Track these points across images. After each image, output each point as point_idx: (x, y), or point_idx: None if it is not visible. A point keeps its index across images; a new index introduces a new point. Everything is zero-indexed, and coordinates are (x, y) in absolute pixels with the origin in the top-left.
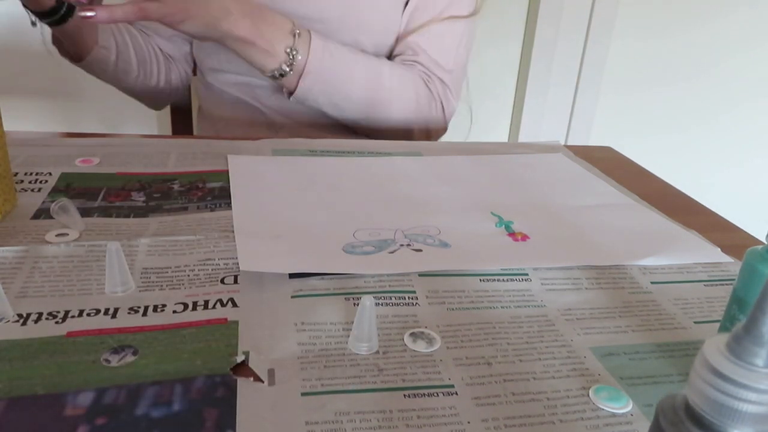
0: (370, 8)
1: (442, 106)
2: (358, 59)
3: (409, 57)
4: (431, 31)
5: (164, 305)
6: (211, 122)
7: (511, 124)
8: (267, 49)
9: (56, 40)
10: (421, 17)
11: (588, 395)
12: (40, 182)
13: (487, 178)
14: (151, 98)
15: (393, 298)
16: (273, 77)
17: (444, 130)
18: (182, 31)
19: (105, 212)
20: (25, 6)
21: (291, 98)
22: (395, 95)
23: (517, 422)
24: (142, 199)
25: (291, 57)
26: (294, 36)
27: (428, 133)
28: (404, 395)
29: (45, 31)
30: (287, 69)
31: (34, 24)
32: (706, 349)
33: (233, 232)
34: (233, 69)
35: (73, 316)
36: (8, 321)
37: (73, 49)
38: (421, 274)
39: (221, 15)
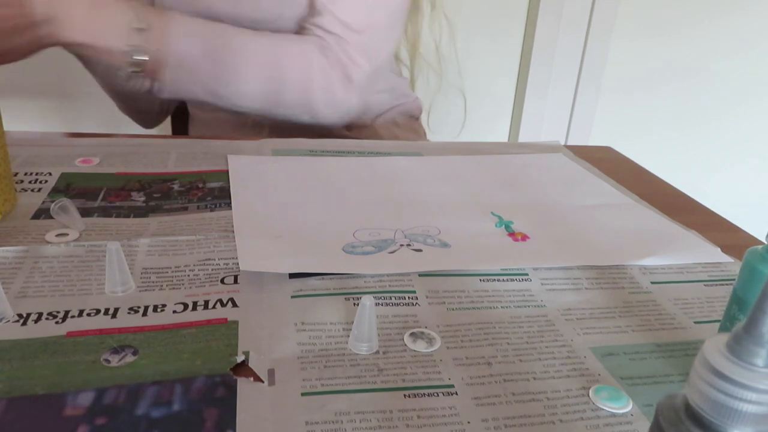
0: None
1: (347, 72)
2: (237, 40)
3: (311, 20)
4: None
5: (164, 305)
6: (198, 125)
7: (511, 124)
8: (107, 51)
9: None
10: None
11: (588, 395)
12: (40, 182)
13: (487, 178)
14: (146, 117)
15: (393, 298)
16: (129, 73)
17: (352, 100)
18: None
19: (105, 212)
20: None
21: (162, 93)
22: (284, 71)
23: (517, 422)
24: (142, 199)
25: (136, 54)
26: (136, 31)
27: (333, 105)
28: (404, 395)
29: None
30: (137, 69)
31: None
32: (706, 349)
33: (233, 232)
34: None
35: (73, 316)
36: (8, 321)
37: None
38: (421, 274)
39: (37, 32)
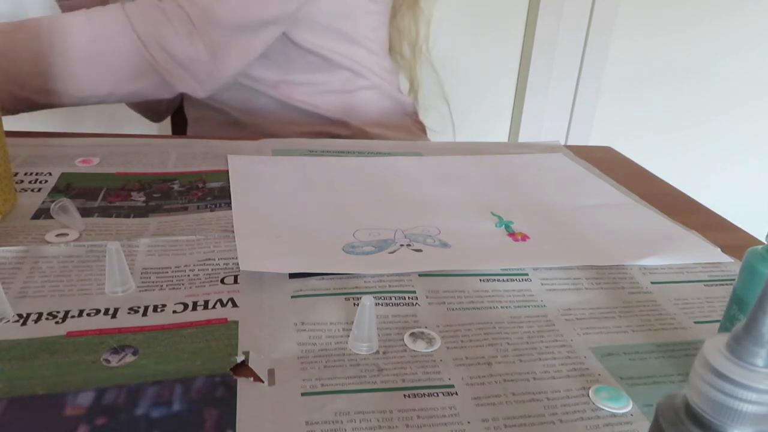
0: None
1: (186, 19)
2: (30, 28)
3: None
4: None
5: (164, 305)
6: (192, 124)
7: (511, 124)
8: None
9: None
10: None
11: (588, 395)
12: (40, 182)
13: (487, 178)
14: (150, 105)
15: (393, 298)
16: None
17: (199, 48)
18: None
19: (105, 212)
20: None
21: None
22: (109, 42)
23: (517, 422)
24: (142, 199)
25: None
26: None
27: (176, 59)
28: (404, 395)
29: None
30: None
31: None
32: (706, 349)
33: (233, 232)
34: None
35: (73, 316)
36: (8, 321)
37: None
38: (421, 274)
39: None
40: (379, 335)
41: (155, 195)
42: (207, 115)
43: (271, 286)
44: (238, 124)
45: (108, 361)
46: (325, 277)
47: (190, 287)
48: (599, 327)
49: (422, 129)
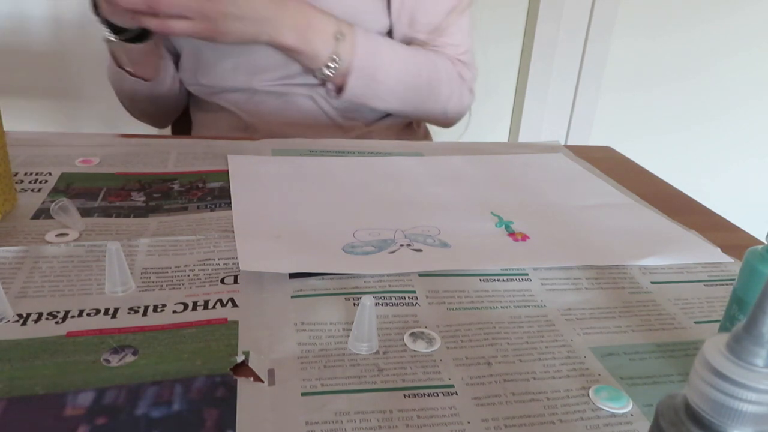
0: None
1: (469, 86)
2: (398, 52)
3: (437, 46)
4: (447, 26)
5: (164, 305)
6: (198, 126)
7: (511, 124)
8: (312, 56)
9: (119, 64)
10: (425, 17)
11: (588, 395)
12: (40, 182)
13: (487, 178)
14: (160, 111)
15: (393, 298)
16: (320, 76)
17: (470, 105)
18: (219, 42)
19: (105, 212)
20: (103, 22)
21: (340, 96)
22: (434, 83)
23: (517, 422)
24: (142, 199)
25: (335, 62)
26: (336, 40)
27: (459, 114)
28: (404, 395)
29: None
30: (330, 74)
31: (110, 41)
32: (706, 349)
33: (233, 232)
34: (207, 82)
35: (73, 316)
36: (8, 321)
37: (144, 69)
38: (421, 274)
39: (258, 28)
40: (379, 335)
41: (155, 195)
42: (213, 118)
43: (271, 286)
44: (248, 128)
45: (108, 361)
46: (325, 277)
47: (190, 287)
48: (599, 327)
49: (424, 129)
